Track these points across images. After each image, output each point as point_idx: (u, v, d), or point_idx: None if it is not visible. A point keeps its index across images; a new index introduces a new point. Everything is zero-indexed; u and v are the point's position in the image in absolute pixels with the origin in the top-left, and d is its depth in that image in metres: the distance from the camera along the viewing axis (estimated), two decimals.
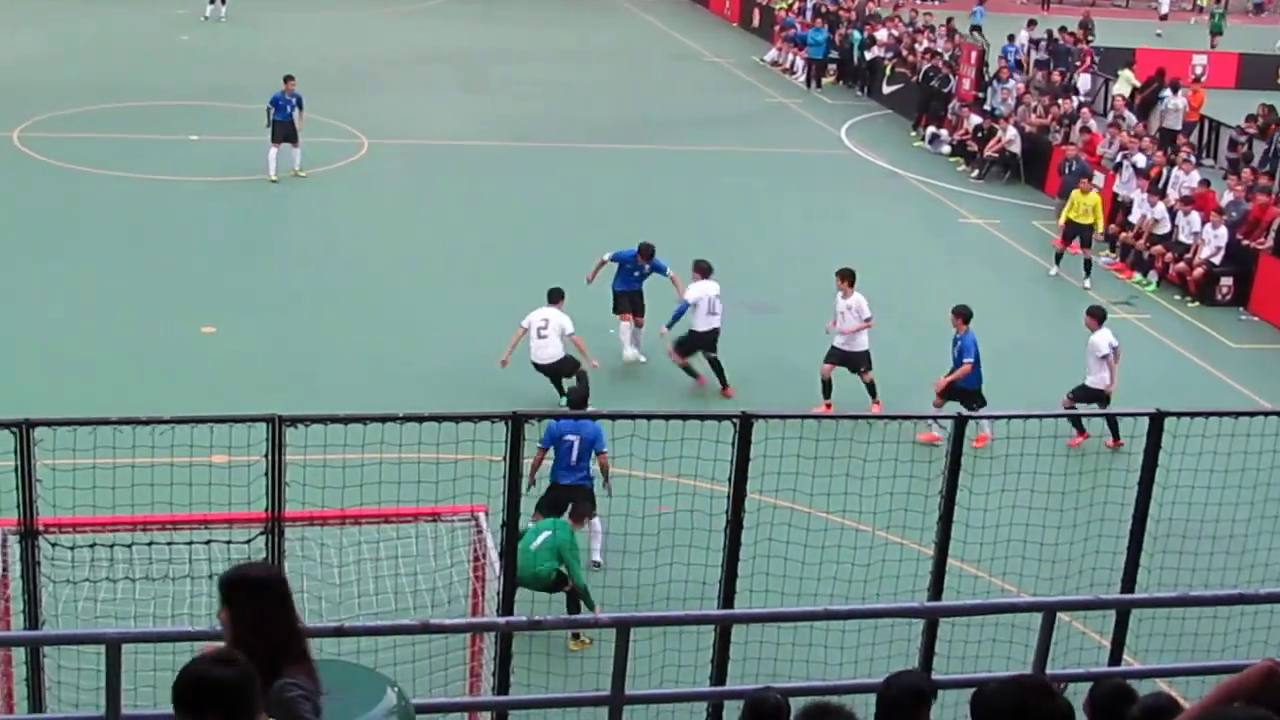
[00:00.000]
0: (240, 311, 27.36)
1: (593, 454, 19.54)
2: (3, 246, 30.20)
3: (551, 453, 19.55)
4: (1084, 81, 47.35)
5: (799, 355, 26.43)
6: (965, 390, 23.90)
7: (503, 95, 47.62)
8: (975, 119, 42.49)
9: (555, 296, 24.48)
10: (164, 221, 32.48)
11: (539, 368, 24.24)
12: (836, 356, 25.17)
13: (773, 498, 16.39)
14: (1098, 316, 25.01)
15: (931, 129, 44.46)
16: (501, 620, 12.92)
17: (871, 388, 24.97)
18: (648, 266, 26.49)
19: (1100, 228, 33.18)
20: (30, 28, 53.38)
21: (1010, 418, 15.11)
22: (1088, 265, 32.82)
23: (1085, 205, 32.82)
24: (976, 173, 40.69)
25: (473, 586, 15.59)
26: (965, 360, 23.92)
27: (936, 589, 13.75)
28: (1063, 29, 52.84)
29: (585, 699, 11.31)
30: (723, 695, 12.86)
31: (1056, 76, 46.42)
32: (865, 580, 15.94)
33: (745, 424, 13.01)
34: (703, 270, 25.68)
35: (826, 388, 25.00)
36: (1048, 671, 10.79)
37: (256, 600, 7.70)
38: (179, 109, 41.33)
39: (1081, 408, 24.45)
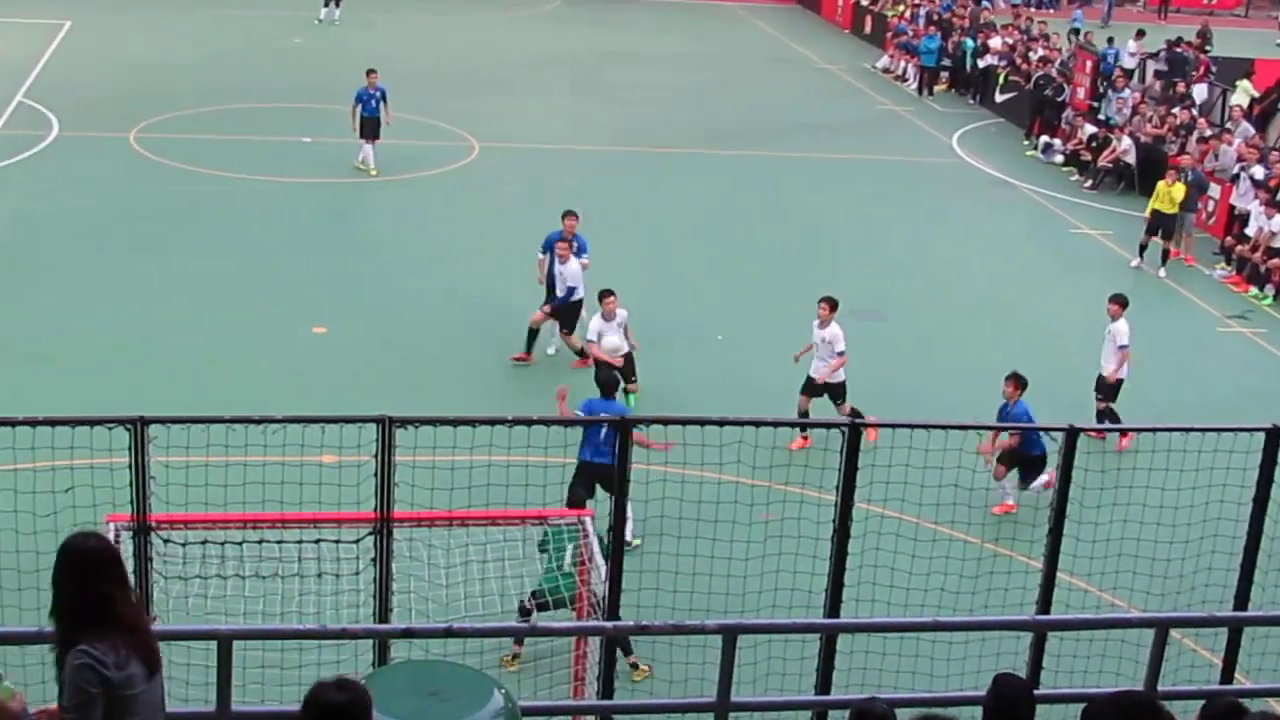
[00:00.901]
0: (351, 312, 27.54)
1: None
2: (118, 246, 30.57)
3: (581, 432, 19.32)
4: (1199, 91, 46.80)
5: (906, 363, 26.33)
6: (1032, 458, 21.71)
7: (614, 100, 47.70)
8: (1090, 128, 42.11)
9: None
10: (277, 222, 32.77)
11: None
12: (812, 388, 23.75)
13: (880, 507, 16.30)
14: (1122, 304, 24.74)
15: (1044, 138, 44.13)
16: (608, 625, 12.93)
17: (855, 415, 22.80)
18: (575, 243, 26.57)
19: (1168, 208, 33.52)
20: (146, 31, 53.99)
21: (1125, 430, 14.93)
22: (1165, 255, 33.35)
23: (1170, 196, 33.33)
24: (1089, 182, 40.34)
25: (578, 590, 15.61)
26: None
27: (1045, 602, 13.65)
28: (1180, 39, 52.25)
29: (691, 704, 11.29)
30: (828, 704, 12.82)
31: (1182, 87, 45.84)
32: (973, 592, 15.85)
33: (854, 432, 12.96)
34: None
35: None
36: (1159, 688, 10.67)
37: (70, 568, 7.94)
38: (292, 111, 41.70)
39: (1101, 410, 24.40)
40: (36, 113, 40.56)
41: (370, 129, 36.46)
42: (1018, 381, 21.79)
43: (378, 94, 36.29)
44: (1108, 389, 24.25)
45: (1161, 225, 33.37)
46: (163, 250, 30.42)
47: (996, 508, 21.35)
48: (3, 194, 33.64)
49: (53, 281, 28.25)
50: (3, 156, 36.29)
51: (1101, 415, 24.16)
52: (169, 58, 49.22)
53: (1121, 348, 24.17)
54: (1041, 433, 19.82)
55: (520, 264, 30.63)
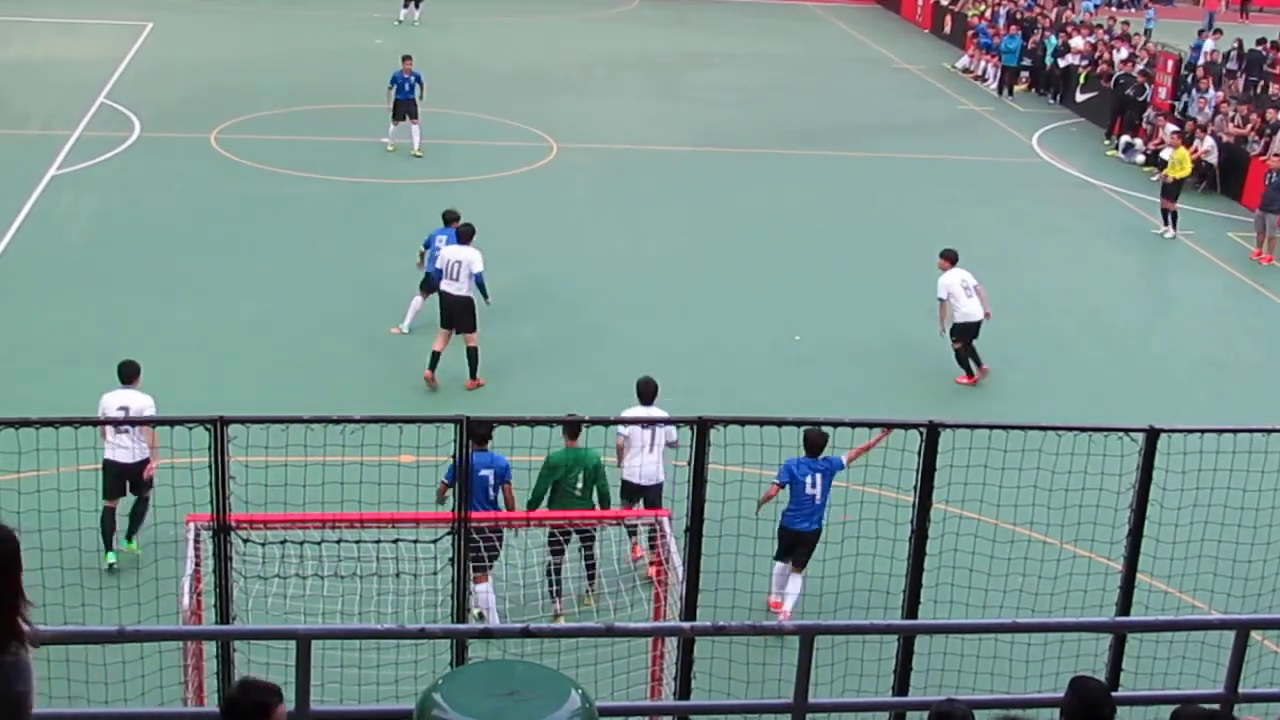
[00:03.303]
0: (429, 312, 27.56)
1: (501, 485, 17.69)
2: (198, 245, 30.74)
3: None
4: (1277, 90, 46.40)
5: (987, 363, 26.17)
6: None
7: (693, 101, 47.69)
8: (1172, 128, 41.78)
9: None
10: (355, 222, 32.89)
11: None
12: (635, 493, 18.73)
13: (958, 508, 16.23)
14: (950, 259, 25.49)
15: (1125, 138, 43.83)
16: (686, 625, 12.92)
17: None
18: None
19: (1184, 172, 35.32)
20: (226, 33, 54.41)
21: (1205, 432, 14.81)
22: (1174, 217, 35.04)
23: (1176, 159, 34.96)
24: None
25: (655, 590, 15.62)
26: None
27: (1125, 604, 13.56)
28: (1262, 39, 51.79)
29: (768, 705, 11.26)
30: (906, 705, 12.78)
31: (1275, 87, 45.38)
32: (1051, 593, 15.75)
33: (932, 433, 12.91)
34: None
35: None
36: (1239, 690, 10.58)
37: None
38: (372, 111, 41.76)
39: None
40: (119, 114, 40.94)
41: (405, 110, 37.97)
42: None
43: (412, 78, 37.92)
44: (957, 335, 25.20)
45: (1168, 189, 35.26)
46: (242, 250, 30.59)
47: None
48: (85, 194, 33.91)
49: (133, 281, 28.45)
50: (85, 157, 36.62)
51: (960, 355, 25.31)
52: (250, 59, 49.59)
53: (940, 300, 25.11)
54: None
55: (597, 262, 30.70)
